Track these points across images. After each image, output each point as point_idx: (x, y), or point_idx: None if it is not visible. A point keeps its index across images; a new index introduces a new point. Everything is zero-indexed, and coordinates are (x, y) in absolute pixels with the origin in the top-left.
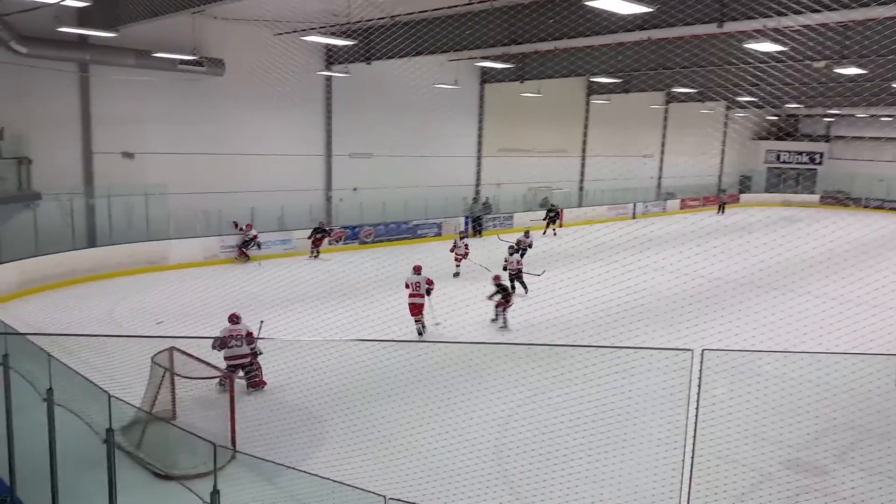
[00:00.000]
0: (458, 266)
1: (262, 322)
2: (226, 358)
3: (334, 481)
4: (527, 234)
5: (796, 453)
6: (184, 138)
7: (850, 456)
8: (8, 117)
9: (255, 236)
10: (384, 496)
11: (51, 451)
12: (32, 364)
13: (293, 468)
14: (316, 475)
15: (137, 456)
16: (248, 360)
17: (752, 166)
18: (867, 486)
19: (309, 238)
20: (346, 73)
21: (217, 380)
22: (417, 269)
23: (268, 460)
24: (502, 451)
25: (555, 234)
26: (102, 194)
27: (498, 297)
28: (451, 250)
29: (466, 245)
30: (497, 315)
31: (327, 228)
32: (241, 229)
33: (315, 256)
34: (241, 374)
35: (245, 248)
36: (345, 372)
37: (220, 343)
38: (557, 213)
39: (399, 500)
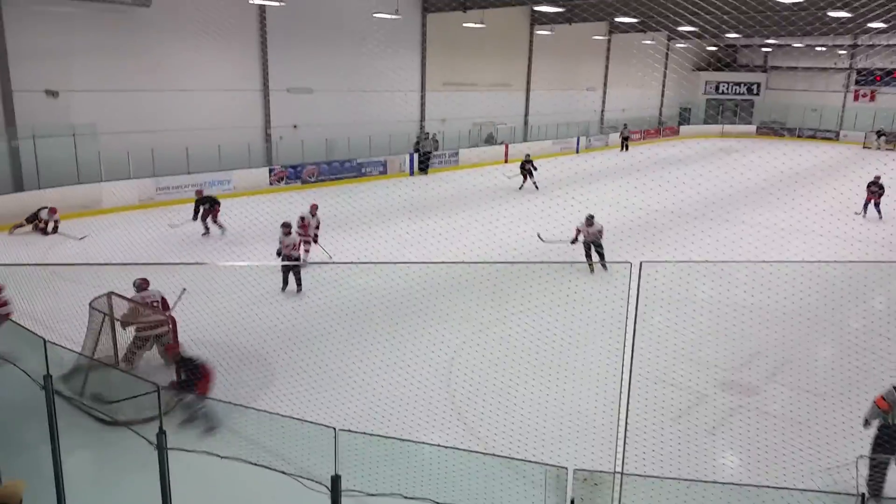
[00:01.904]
0: (305, 251)
1: (183, 290)
2: (137, 330)
3: (283, 416)
4: (590, 220)
5: (730, 375)
6: (112, 74)
7: (780, 375)
8: None
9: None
10: (334, 428)
11: None
12: None
13: (241, 405)
14: (264, 411)
15: (80, 403)
16: (163, 328)
17: (692, 98)
18: (794, 402)
19: (195, 215)
20: (280, 1)
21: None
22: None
23: (215, 399)
24: (452, 382)
25: (536, 187)
26: (26, 135)
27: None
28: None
29: (319, 224)
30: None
31: (211, 196)
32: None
33: (205, 233)
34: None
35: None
36: (287, 312)
37: (131, 314)
38: (533, 163)
39: (349, 430)
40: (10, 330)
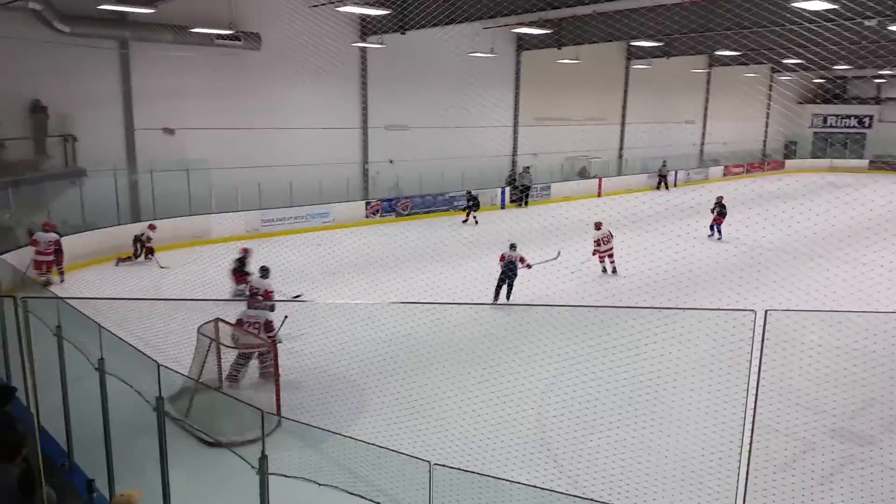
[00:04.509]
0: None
1: (285, 317)
2: (244, 318)
3: (379, 447)
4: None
5: (842, 422)
6: (223, 113)
7: None
8: (53, 96)
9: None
10: (429, 462)
11: (104, 418)
12: (84, 335)
13: (339, 434)
14: (361, 440)
15: (186, 424)
16: (264, 328)
17: (798, 131)
18: None
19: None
20: (380, 44)
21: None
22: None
23: (314, 426)
24: (543, 420)
25: (476, 222)
26: (145, 170)
27: None
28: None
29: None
30: None
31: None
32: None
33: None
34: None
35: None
36: (383, 342)
37: (236, 324)
38: (476, 200)
39: (444, 465)
40: (126, 353)
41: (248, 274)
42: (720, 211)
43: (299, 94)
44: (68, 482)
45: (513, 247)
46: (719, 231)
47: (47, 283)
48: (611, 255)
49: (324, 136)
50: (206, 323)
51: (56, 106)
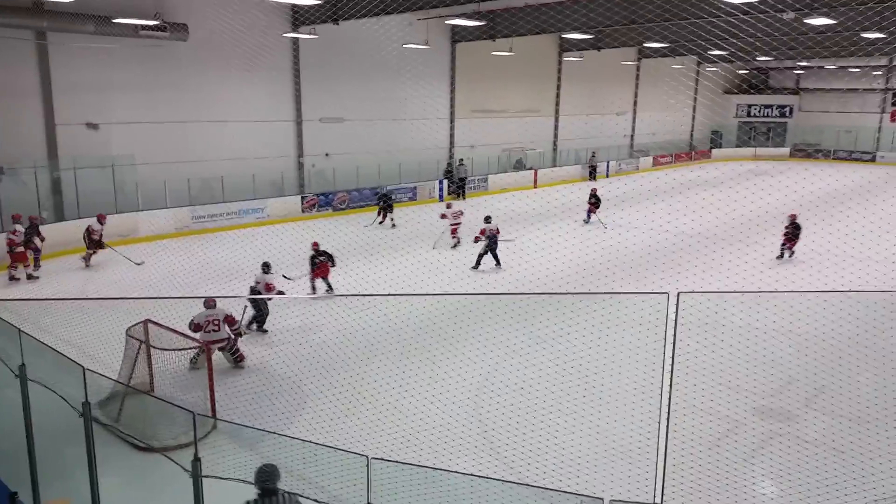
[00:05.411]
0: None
1: (245, 307)
2: (202, 321)
3: (316, 444)
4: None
5: (764, 401)
6: (150, 107)
7: (817, 402)
8: None
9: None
10: (366, 456)
11: (27, 427)
12: (3, 340)
13: (275, 433)
14: (298, 438)
15: (117, 429)
16: (226, 342)
17: (724, 121)
18: (834, 429)
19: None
20: (313, 34)
21: (190, 358)
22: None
23: (249, 426)
24: (481, 409)
25: (393, 224)
26: (68, 167)
27: None
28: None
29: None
30: None
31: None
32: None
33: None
34: (219, 351)
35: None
36: (320, 338)
37: (195, 327)
38: (390, 202)
39: (381, 458)
40: (49, 358)
41: (327, 265)
42: (594, 202)
43: (230, 87)
44: None
45: (488, 219)
46: (589, 217)
47: (13, 278)
48: (457, 227)
49: (256, 129)
50: (135, 325)
51: None
